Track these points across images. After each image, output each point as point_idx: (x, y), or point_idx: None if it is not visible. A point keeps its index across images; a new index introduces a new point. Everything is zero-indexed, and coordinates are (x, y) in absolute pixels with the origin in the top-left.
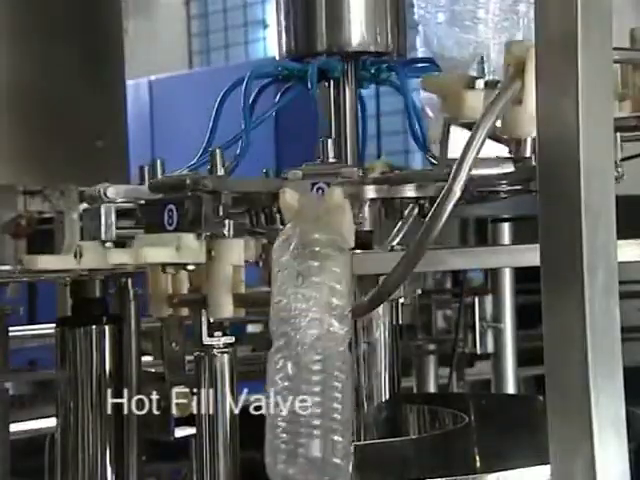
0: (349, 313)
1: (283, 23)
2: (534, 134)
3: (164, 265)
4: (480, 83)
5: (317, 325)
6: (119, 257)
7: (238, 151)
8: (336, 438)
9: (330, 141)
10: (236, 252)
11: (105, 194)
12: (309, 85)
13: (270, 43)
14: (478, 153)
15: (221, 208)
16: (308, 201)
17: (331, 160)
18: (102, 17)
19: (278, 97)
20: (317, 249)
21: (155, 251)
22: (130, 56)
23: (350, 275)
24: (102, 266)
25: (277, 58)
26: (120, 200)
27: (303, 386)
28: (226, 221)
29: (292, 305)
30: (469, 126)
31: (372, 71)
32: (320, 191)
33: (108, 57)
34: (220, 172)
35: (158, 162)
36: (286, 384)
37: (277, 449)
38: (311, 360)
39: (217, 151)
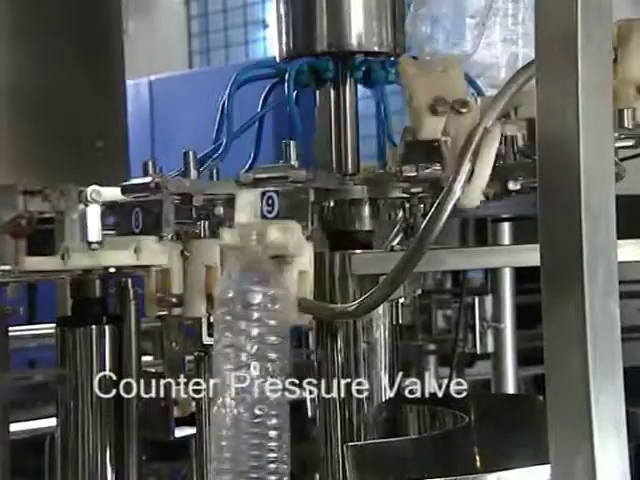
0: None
1: (283, 23)
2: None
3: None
4: (444, 110)
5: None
6: (80, 260)
7: (217, 152)
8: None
9: (293, 142)
10: (210, 252)
11: (91, 196)
12: (287, 86)
13: (270, 43)
14: (478, 152)
15: (193, 210)
16: (247, 241)
17: (292, 162)
18: (102, 17)
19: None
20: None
21: (114, 254)
22: (130, 56)
23: (287, 315)
24: (88, 267)
25: (277, 58)
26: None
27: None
28: (200, 222)
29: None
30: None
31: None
32: (270, 200)
33: (108, 57)
34: (193, 174)
35: (150, 163)
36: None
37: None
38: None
39: (190, 153)
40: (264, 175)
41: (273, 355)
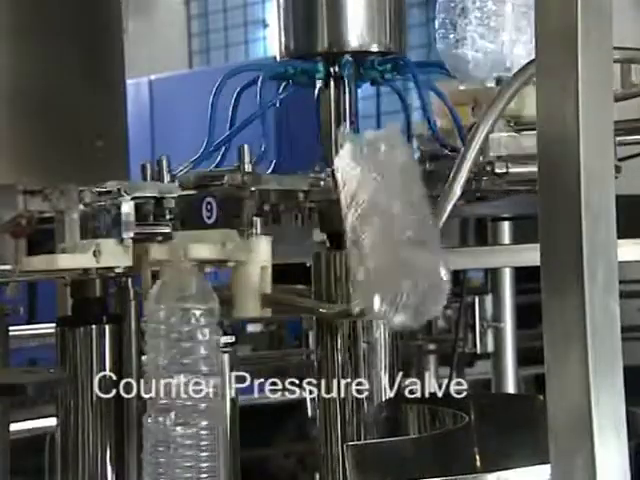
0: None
1: (283, 23)
2: None
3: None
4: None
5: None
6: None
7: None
8: None
9: (246, 146)
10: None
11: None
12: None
13: (270, 43)
14: (479, 151)
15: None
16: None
17: (246, 165)
18: (102, 16)
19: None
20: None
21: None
22: (130, 55)
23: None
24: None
25: (277, 58)
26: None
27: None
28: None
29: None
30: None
31: (374, 71)
32: (208, 206)
33: (108, 57)
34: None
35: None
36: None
37: None
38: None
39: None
40: (202, 175)
41: (203, 368)
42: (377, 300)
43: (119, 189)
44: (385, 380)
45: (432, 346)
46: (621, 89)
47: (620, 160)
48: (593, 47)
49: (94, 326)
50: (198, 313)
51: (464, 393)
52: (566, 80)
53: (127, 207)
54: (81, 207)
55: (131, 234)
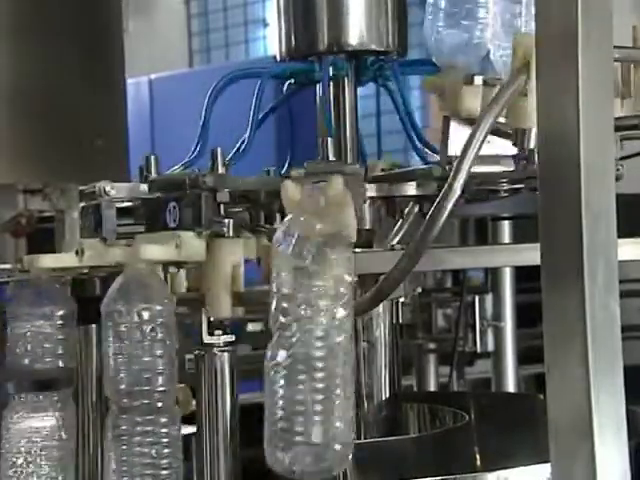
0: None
1: (283, 22)
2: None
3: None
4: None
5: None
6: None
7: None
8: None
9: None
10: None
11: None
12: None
13: (270, 42)
14: (479, 150)
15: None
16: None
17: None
18: (102, 16)
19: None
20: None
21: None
22: (130, 55)
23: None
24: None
25: (277, 57)
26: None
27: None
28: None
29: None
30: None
31: (372, 70)
32: (172, 209)
33: (108, 56)
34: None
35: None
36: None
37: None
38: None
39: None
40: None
41: (160, 367)
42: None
43: (100, 190)
44: (385, 378)
45: (432, 345)
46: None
47: (620, 159)
48: (593, 47)
49: (94, 325)
50: (154, 313)
51: (464, 392)
52: (566, 79)
53: (108, 208)
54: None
55: (114, 235)
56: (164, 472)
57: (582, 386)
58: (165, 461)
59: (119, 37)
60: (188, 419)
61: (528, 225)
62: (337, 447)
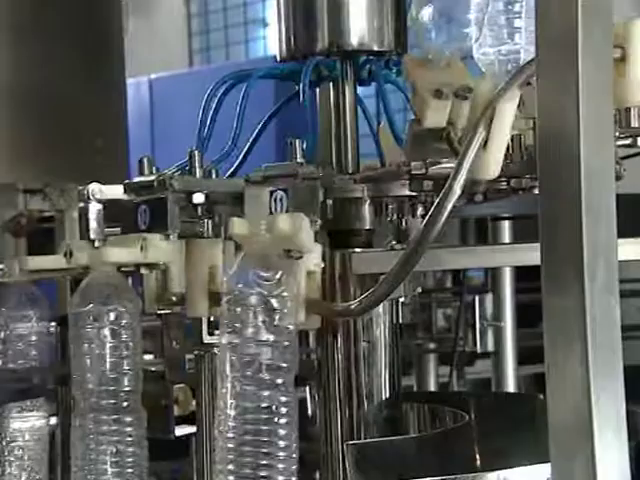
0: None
1: (283, 22)
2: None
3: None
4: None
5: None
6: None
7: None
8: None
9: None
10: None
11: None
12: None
13: (270, 42)
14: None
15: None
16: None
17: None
18: (102, 16)
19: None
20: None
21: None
22: (130, 55)
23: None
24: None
25: (277, 57)
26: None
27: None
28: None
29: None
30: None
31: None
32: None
33: (108, 56)
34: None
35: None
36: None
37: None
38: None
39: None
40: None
41: (125, 367)
42: None
43: (87, 191)
44: (385, 379)
45: (432, 345)
46: None
47: (620, 159)
48: (593, 47)
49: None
50: (117, 314)
51: (464, 392)
52: (567, 79)
53: (95, 209)
54: None
55: (100, 235)
56: (129, 471)
57: (582, 386)
58: (130, 460)
59: (119, 37)
60: (188, 419)
61: (528, 225)
62: None
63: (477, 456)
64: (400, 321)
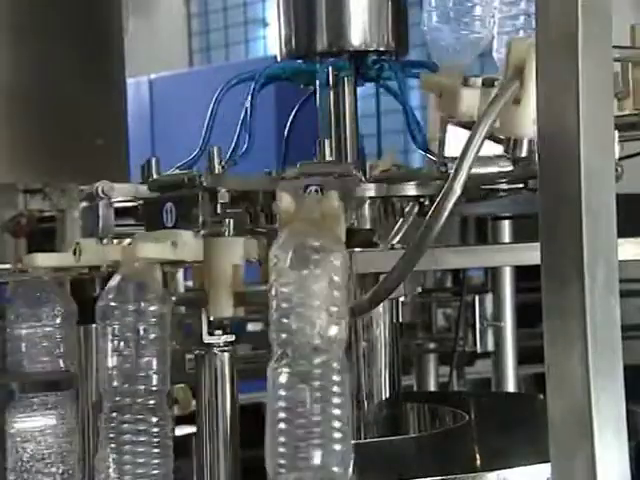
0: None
1: (283, 22)
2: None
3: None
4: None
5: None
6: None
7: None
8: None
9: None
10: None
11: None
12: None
13: (270, 42)
14: (478, 151)
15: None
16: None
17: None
18: (102, 16)
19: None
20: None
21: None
22: (130, 54)
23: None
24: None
25: (278, 57)
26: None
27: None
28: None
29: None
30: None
31: (373, 70)
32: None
33: (108, 55)
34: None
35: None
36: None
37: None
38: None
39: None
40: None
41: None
42: None
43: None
44: (385, 379)
45: (432, 344)
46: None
47: (620, 159)
48: (593, 47)
49: (94, 325)
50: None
51: (464, 392)
52: (567, 79)
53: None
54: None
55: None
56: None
57: (582, 386)
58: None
59: (119, 37)
60: (188, 419)
61: (528, 225)
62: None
63: (477, 456)
64: (400, 320)
